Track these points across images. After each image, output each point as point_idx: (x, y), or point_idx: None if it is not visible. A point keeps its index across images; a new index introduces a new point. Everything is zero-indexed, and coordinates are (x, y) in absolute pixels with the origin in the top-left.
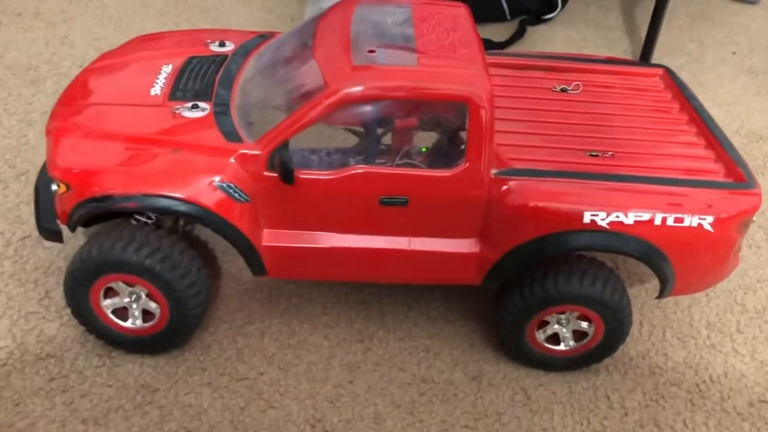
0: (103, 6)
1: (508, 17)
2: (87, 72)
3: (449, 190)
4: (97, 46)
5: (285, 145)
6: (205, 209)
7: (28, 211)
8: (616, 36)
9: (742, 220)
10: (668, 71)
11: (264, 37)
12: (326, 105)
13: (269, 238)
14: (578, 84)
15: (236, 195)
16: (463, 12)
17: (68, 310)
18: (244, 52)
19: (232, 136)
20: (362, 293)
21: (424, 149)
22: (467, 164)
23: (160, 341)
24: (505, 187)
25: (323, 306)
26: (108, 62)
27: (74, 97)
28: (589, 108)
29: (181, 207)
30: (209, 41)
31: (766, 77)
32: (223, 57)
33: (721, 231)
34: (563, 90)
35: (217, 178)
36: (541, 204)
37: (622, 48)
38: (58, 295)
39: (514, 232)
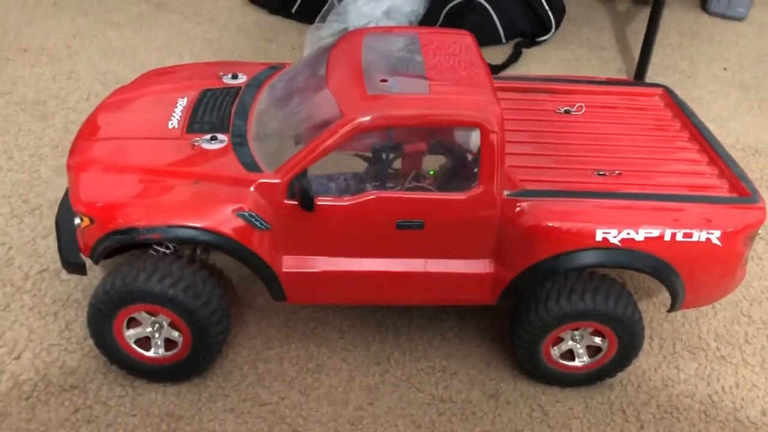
0: (107, 40)
1: (504, 40)
2: (103, 107)
3: (463, 213)
4: (103, 79)
5: (304, 173)
6: (227, 238)
7: (44, 245)
8: (609, 55)
9: (748, 234)
10: (667, 90)
11: (275, 68)
12: (342, 133)
13: (288, 264)
14: (581, 105)
15: (257, 223)
16: (468, 39)
17: (90, 342)
18: (256, 84)
19: (251, 166)
20: (377, 316)
21: (432, 172)
22: (480, 187)
23: (182, 369)
24: (518, 208)
25: (339, 329)
26: (123, 96)
27: (93, 132)
28: (593, 129)
29: (205, 237)
30: (222, 74)
31: (758, 92)
32: (237, 89)
33: (729, 245)
34: (566, 112)
35: (238, 208)
36: (554, 223)
37: (616, 67)
38: (78, 327)
39: (527, 251)
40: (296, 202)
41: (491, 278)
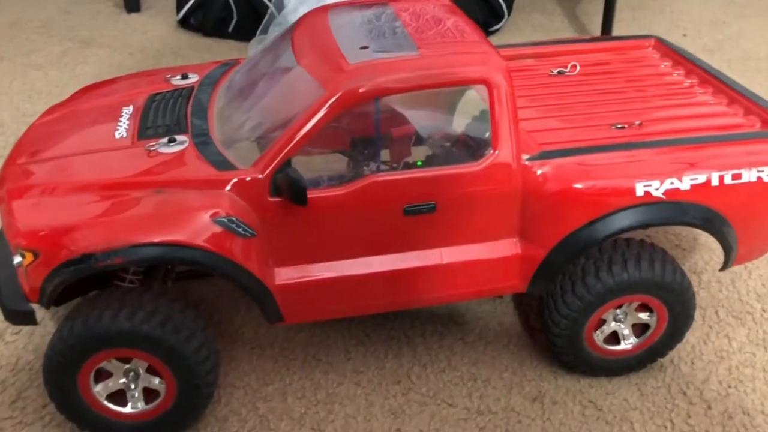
0: (28, 82)
1: None
2: (34, 128)
3: (480, 186)
4: (30, 121)
5: (287, 163)
6: (206, 252)
7: None
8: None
9: None
10: (660, 40)
11: (228, 64)
12: (327, 110)
13: (283, 276)
14: (575, 65)
15: (240, 230)
16: (447, 3)
17: (50, 408)
18: (211, 82)
19: (223, 164)
20: (384, 329)
21: (419, 163)
22: (496, 152)
23: (169, 423)
24: (540, 173)
25: (345, 350)
26: (57, 115)
27: (26, 155)
28: (594, 86)
29: (179, 253)
30: (170, 76)
31: (723, 53)
32: (189, 88)
33: None
34: (560, 73)
35: (214, 213)
36: (585, 184)
37: None
38: (34, 393)
39: (559, 221)
40: (283, 199)
41: (519, 260)
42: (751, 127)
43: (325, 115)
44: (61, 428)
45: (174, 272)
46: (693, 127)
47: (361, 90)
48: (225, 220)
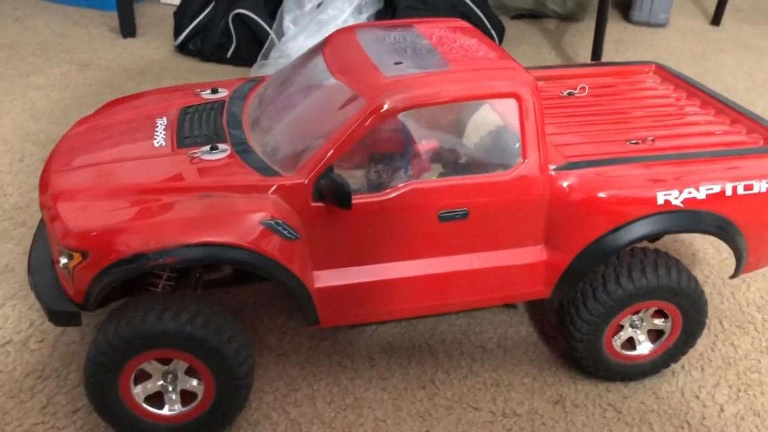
0: (29, 101)
1: None
2: (69, 138)
3: (509, 194)
4: (35, 140)
5: (330, 170)
6: (255, 253)
7: (1, 315)
8: None
9: None
10: (660, 66)
11: (255, 80)
12: (371, 120)
13: (321, 279)
14: (584, 86)
15: (285, 232)
16: (464, 24)
17: (80, 414)
18: (240, 96)
19: (267, 171)
20: (405, 338)
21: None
22: (525, 161)
23: (204, 425)
24: (566, 183)
25: (369, 358)
26: (89, 125)
27: (65, 162)
28: (604, 106)
29: (230, 254)
30: (199, 90)
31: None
32: (221, 102)
33: None
34: (570, 94)
35: (263, 217)
36: (609, 193)
37: None
38: (64, 399)
39: (583, 229)
40: (325, 204)
41: (544, 267)
42: (755, 144)
43: (367, 124)
44: None
45: (202, 281)
46: (702, 143)
47: (399, 101)
48: (272, 222)
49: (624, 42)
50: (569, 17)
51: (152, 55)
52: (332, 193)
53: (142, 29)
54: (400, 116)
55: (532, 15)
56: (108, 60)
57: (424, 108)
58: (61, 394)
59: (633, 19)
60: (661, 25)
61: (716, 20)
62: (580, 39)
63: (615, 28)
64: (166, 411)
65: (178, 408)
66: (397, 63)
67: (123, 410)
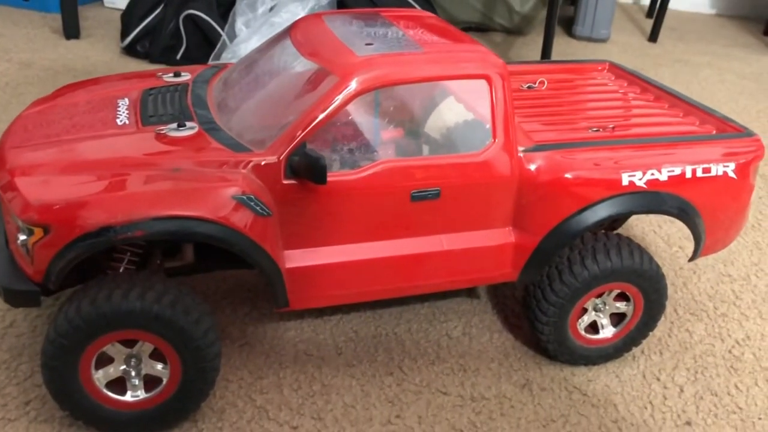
0: None
1: None
2: (24, 118)
3: (480, 174)
4: None
5: (303, 146)
6: (227, 227)
7: None
8: None
9: (756, 165)
10: (613, 64)
11: (217, 67)
12: (344, 97)
13: (291, 259)
14: (543, 80)
15: (257, 208)
16: (434, 16)
17: (34, 404)
18: (204, 80)
19: (238, 147)
20: (371, 326)
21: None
22: (496, 141)
23: (168, 411)
24: (534, 165)
25: (335, 346)
26: (46, 105)
27: (23, 140)
28: (563, 98)
29: (199, 228)
30: (161, 74)
31: None
32: (185, 84)
33: (743, 177)
34: (530, 87)
35: (234, 191)
36: (576, 174)
37: None
38: (15, 390)
39: (551, 210)
40: (297, 181)
41: (513, 248)
42: (708, 132)
43: (340, 101)
44: (49, 423)
45: (163, 268)
46: (660, 132)
47: (373, 79)
48: (243, 197)
49: (568, 55)
50: (515, 31)
51: (98, 56)
52: (307, 168)
53: (86, 31)
54: (370, 96)
55: (480, 28)
56: (51, 60)
57: (395, 88)
58: (11, 386)
59: (576, 33)
60: (603, 41)
61: (653, 37)
62: (526, 51)
63: (559, 42)
64: (128, 397)
65: (141, 394)
66: (368, 44)
67: (82, 396)
